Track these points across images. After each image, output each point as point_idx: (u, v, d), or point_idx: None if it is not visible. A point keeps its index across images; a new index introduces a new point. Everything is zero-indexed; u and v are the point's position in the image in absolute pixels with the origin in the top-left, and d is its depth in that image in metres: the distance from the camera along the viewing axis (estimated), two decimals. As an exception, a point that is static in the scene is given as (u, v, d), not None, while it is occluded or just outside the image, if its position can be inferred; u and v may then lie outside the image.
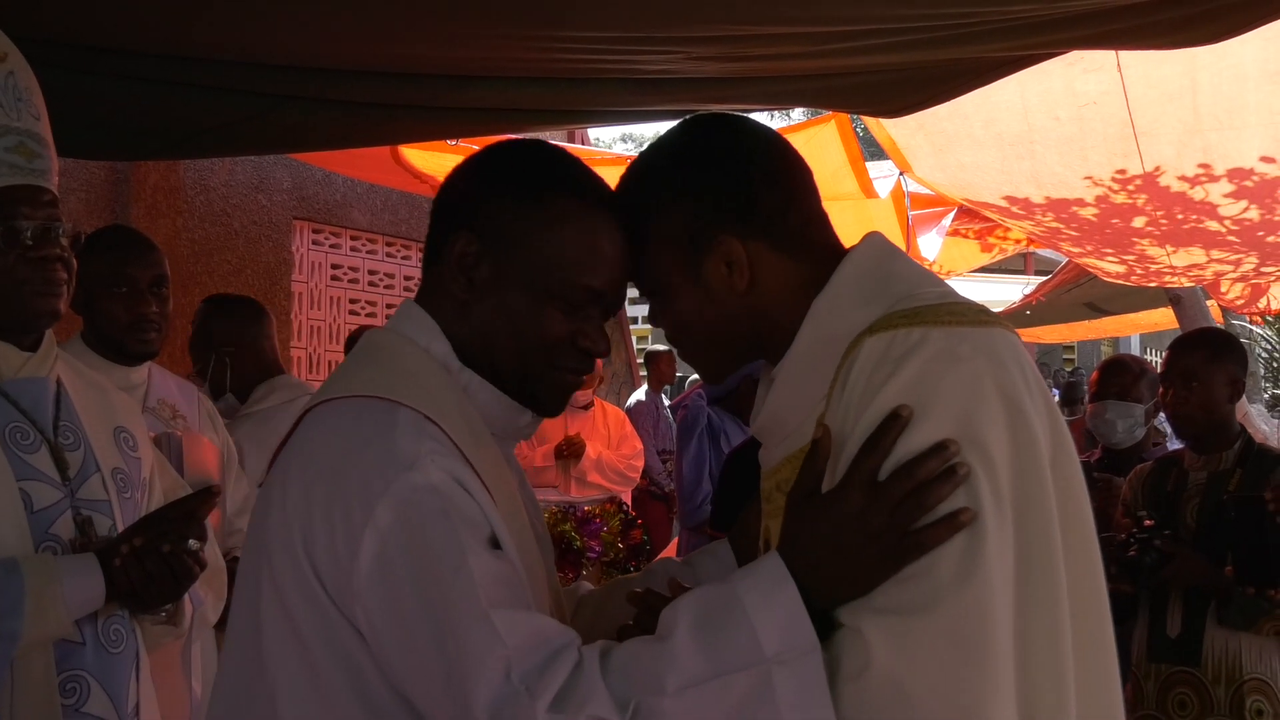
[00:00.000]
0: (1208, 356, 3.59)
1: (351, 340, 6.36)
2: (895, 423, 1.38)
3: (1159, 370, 3.77)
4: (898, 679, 1.31)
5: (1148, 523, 3.47)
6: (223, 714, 1.60)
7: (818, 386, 1.52)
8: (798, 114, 16.67)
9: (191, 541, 2.23)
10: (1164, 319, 10.55)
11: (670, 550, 6.96)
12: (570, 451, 6.72)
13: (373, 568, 1.44)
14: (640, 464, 7.10)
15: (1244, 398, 8.71)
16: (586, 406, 7.25)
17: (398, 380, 1.58)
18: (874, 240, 1.63)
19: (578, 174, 1.69)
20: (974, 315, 1.47)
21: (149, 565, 2.18)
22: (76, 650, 2.22)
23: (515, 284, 1.63)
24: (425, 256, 1.72)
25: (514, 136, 6.64)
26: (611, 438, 7.08)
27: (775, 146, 1.65)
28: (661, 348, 10.04)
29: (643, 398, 9.52)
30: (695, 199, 1.60)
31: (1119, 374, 4.14)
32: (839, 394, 1.46)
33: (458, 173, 1.72)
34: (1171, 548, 3.40)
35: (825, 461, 1.44)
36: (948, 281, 1.66)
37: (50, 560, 2.17)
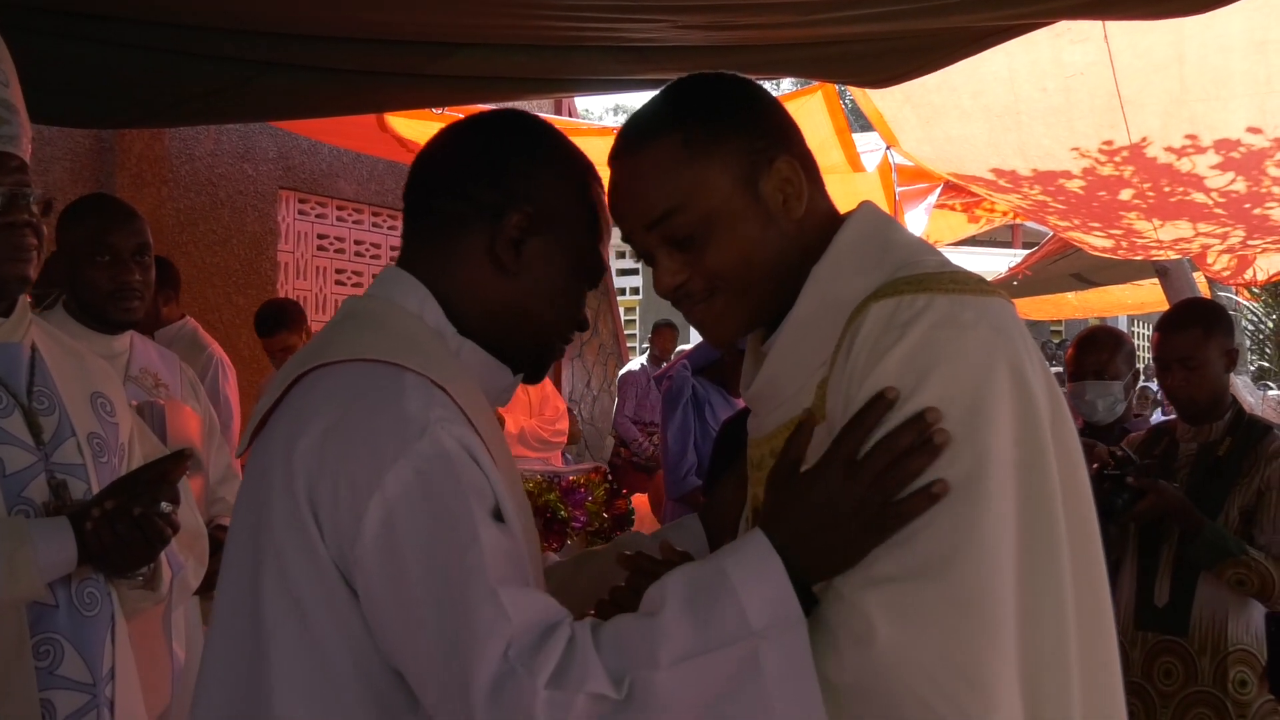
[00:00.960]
0: (1201, 334, 3.55)
1: None
2: (880, 403, 1.37)
3: (1152, 354, 3.74)
4: (900, 647, 1.32)
5: (1118, 453, 3.46)
6: (214, 686, 1.56)
7: (817, 353, 1.51)
8: (786, 84, 16.64)
9: (164, 504, 2.22)
10: (1151, 296, 10.58)
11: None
12: None
13: (378, 536, 1.41)
14: (564, 426, 6.95)
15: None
16: None
17: (399, 344, 1.55)
18: (870, 209, 1.61)
19: (589, 161, 1.72)
20: (975, 284, 1.46)
21: (120, 528, 2.18)
22: (50, 613, 2.21)
23: (563, 262, 1.66)
24: (423, 222, 1.69)
25: (486, 106, 6.65)
26: (532, 404, 6.92)
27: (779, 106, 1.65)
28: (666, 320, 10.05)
29: (635, 368, 9.49)
30: (751, 119, 1.56)
31: (1094, 351, 4.07)
32: (843, 360, 1.45)
33: (495, 139, 1.69)
34: (1143, 482, 3.39)
35: (809, 439, 1.43)
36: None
37: (21, 522, 2.17)
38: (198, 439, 3.26)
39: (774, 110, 1.59)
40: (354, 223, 8.46)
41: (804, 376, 1.53)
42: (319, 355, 1.56)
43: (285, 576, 1.47)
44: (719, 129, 1.54)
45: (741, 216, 1.53)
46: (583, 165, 1.70)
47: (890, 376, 1.38)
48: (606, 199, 1.63)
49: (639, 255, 1.62)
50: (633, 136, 1.58)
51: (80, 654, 2.24)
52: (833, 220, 1.59)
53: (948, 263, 1.52)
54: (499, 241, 1.62)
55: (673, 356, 8.99)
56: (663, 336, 10.04)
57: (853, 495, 1.36)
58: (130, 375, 3.19)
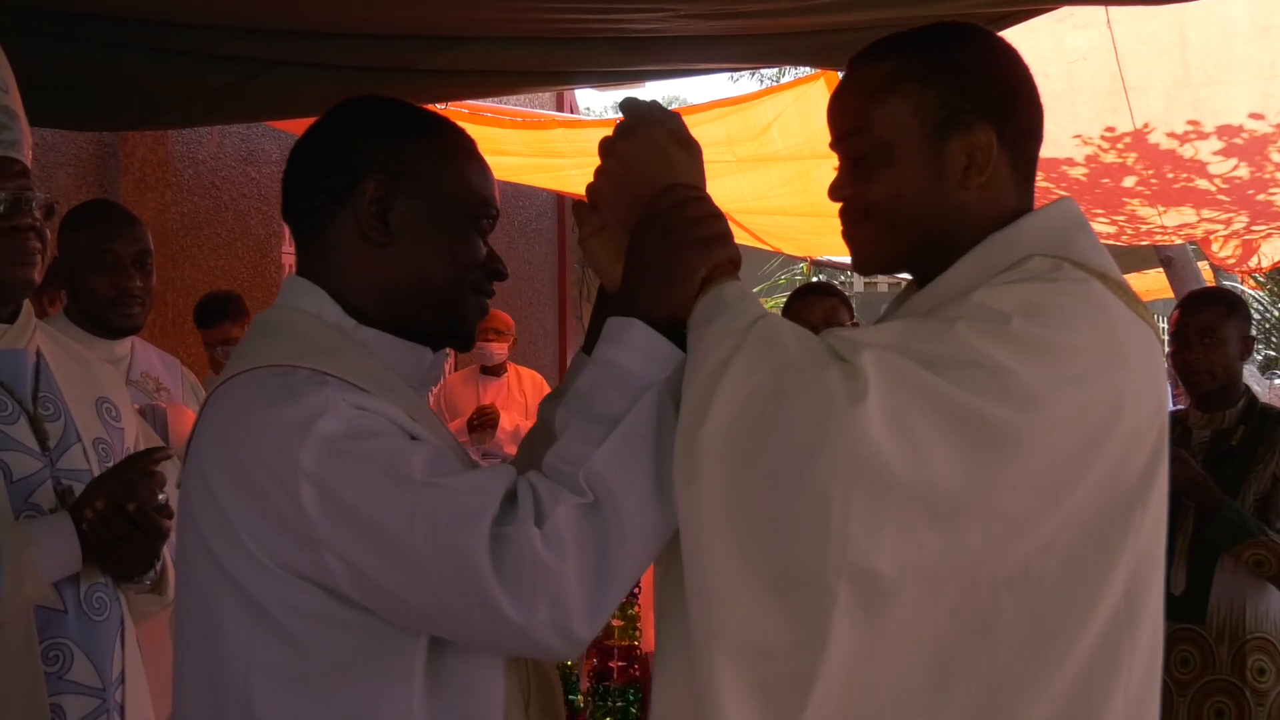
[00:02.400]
0: (1224, 312, 3.58)
1: None
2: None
3: (1169, 329, 3.75)
4: (897, 411, 1.32)
5: None
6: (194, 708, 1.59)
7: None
8: (787, 71, 16.61)
9: (161, 495, 2.23)
10: (1155, 284, 10.56)
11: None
12: (483, 422, 6.45)
13: (321, 510, 1.43)
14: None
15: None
16: (499, 372, 6.98)
17: (295, 347, 1.58)
18: (1068, 206, 1.61)
19: (426, 111, 1.76)
20: (1135, 304, 1.47)
21: (116, 526, 2.18)
22: (59, 618, 2.22)
23: (437, 216, 1.66)
24: (298, 226, 1.70)
25: (489, 102, 6.61)
26: (529, 406, 6.76)
27: (1033, 78, 1.64)
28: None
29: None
30: (970, 78, 1.55)
31: None
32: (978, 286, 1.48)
33: (330, 127, 1.70)
34: (1170, 451, 3.39)
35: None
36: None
37: (24, 524, 2.17)
38: None
39: (1007, 83, 1.58)
40: (357, 224, 8.46)
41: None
42: (226, 372, 1.60)
43: (242, 594, 1.49)
44: (931, 72, 1.55)
45: (912, 160, 1.55)
46: (418, 115, 1.70)
47: (1011, 299, 1.40)
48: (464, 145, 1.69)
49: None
50: (862, 52, 1.62)
51: (90, 658, 2.24)
52: (1016, 212, 1.57)
53: (1116, 271, 1.52)
54: (363, 218, 1.62)
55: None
56: None
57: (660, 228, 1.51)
58: (132, 379, 3.19)
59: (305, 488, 1.43)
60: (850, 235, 1.64)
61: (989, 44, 1.61)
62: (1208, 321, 3.55)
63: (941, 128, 1.54)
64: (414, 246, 1.64)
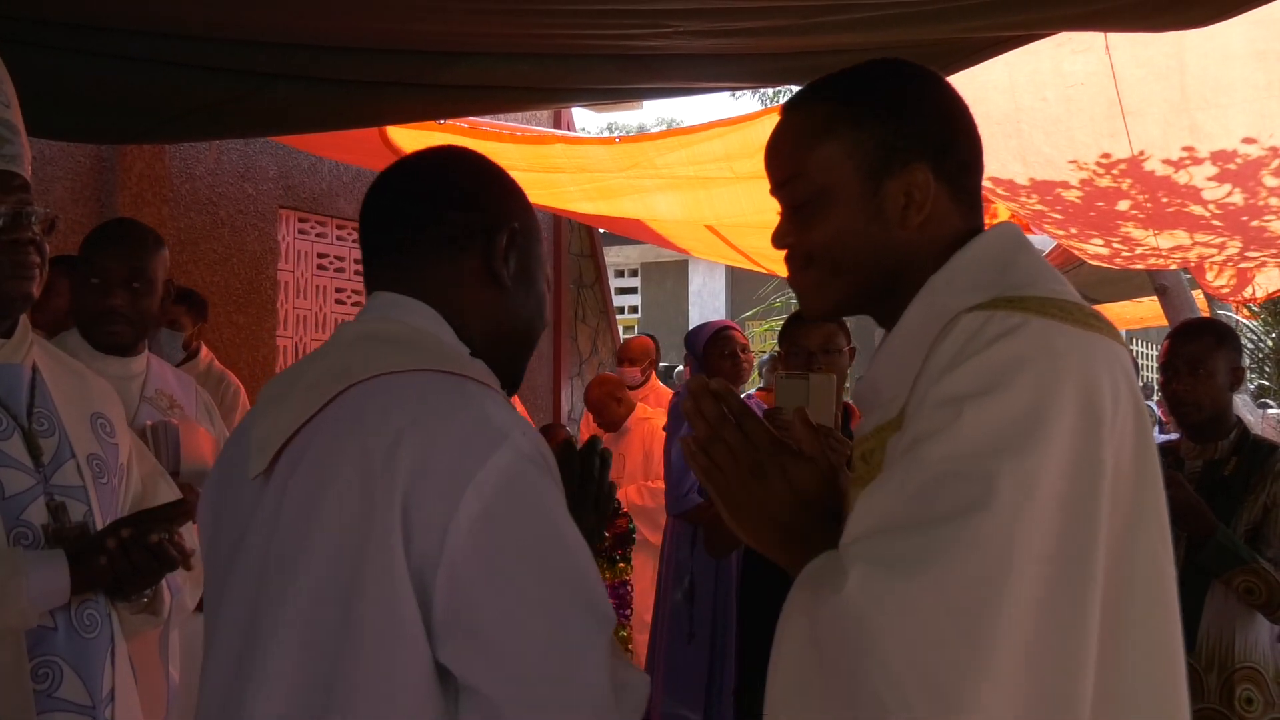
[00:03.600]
0: (1213, 343, 3.57)
1: None
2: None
3: (1159, 360, 3.75)
4: (861, 615, 1.29)
5: None
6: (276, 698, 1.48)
7: (913, 360, 1.50)
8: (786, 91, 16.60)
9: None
10: (1150, 312, 10.59)
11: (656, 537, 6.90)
12: None
13: (474, 528, 1.42)
14: (660, 486, 6.52)
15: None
16: (621, 429, 7.03)
17: (445, 359, 1.59)
18: (1007, 229, 1.60)
19: None
20: (1081, 316, 1.44)
21: (135, 557, 2.18)
22: (49, 635, 2.20)
23: (536, 271, 1.78)
24: (413, 250, 1.72)
25: (490, 119, 6.62)
26: (650, 467, 6.77)
27: (969, 111, 1.64)
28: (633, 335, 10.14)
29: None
30: (903, 118, 1.56)
31: None
32: (926, 364, 1.45)
33: (461, 168, 1.77)
34: (1165, 475, 3.39)
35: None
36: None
37: (16, 554, 2.16)
38: (211, 459, 3.25)
39: (941, 119, 1.58)
40: (354, 242, 8.46)
41: (900, 384, 1.52)
42: (356, 372, 1.57)
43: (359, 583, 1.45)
44: (863, 114, 1.55)
45: (849, 204, 1.55)
46: (519, 185, 1.83)
47: (962, 382, 1.37)
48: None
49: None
50: (795, 98, 1.63)
51: (79, 676, 2.22)
52: (963, 239, 1.57)
53: (1067, 292, 1.50)
54: (494, 259, 1.71)
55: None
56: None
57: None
58: (145, 396, 3.18)
59: (471, 500, 1.43)
60: (796, 283, 1.64)
61: (921, 81, 1.60)
62: (1197, 353, 3.55)
63: (877, 169, 1.54)
64: (522, 294, 1.75)
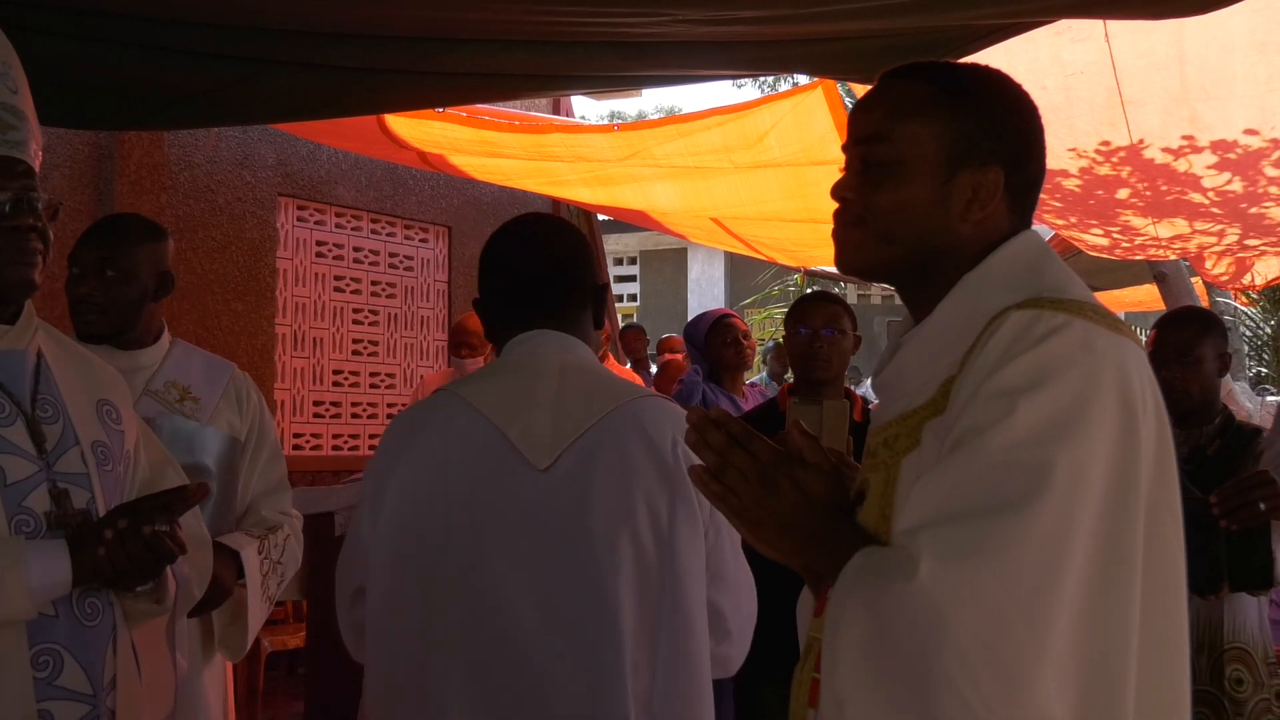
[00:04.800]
0: (1200, 331, 3.61)
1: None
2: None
3: (1147, 348, 3.77)
4: (934, 602, 1.36)
5: None
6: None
7: (948, 353, 1.58)
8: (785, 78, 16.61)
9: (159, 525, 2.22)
10: (1149, 296, 10.58)
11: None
12: None
13: None
14: None
15: (1229, 377, 8.77)
16: None
17: (635, 386, 2.43)
18: (1034, 237, 1.68)
19: None
20: (1111, 321, 1.54)
21: (131, 548, 2.17)
22: (49, 623, 2.18)
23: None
24: (580, 304, 2.38)
25: (487, 105, 6.61)
26: None
27: (1044, 135, 1.73)
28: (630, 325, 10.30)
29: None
30: (995, 121, 1.65)
31: None
32: (974, 358, 1.52)
33: (577, 243, 2.44)
34: None
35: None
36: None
37: (16, 543, 2.14)
38: (209, 455, 3.22)
39: (1027, 135, 1.69)
40: (353, 229, 8.46)
41: (930, 374, 1.61)
42: (617, 396, 2.28)
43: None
44: (961, 104, 1.65)
45: (922, 181, 1.65)
46: None
47: (1015, 376, 1.46)
48: None
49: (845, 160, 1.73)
50: (906, 66, 1.72)
51: (80, 664, 2.20)
52: (994, 245, 1.66)
53: (1092, 298, 1.59)
54: (601, 311, 2.41)
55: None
56: (629, 338, 10.42)
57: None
58: (150, 389, 3.16)
59: None
60: (841, 236, 1.70)
61: (1019, 95, 1.70)
62: (1184, 341, 3.58)
63: (957, 159, 1.63)
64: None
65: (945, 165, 1.63)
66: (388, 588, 2.26)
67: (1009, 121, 1.66)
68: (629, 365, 10.05)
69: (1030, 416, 1.42)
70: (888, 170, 1.64)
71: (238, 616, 3.12)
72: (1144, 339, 3.78)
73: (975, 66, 1.72)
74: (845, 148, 1.72)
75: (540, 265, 2.34)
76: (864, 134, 1.68)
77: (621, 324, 11.35)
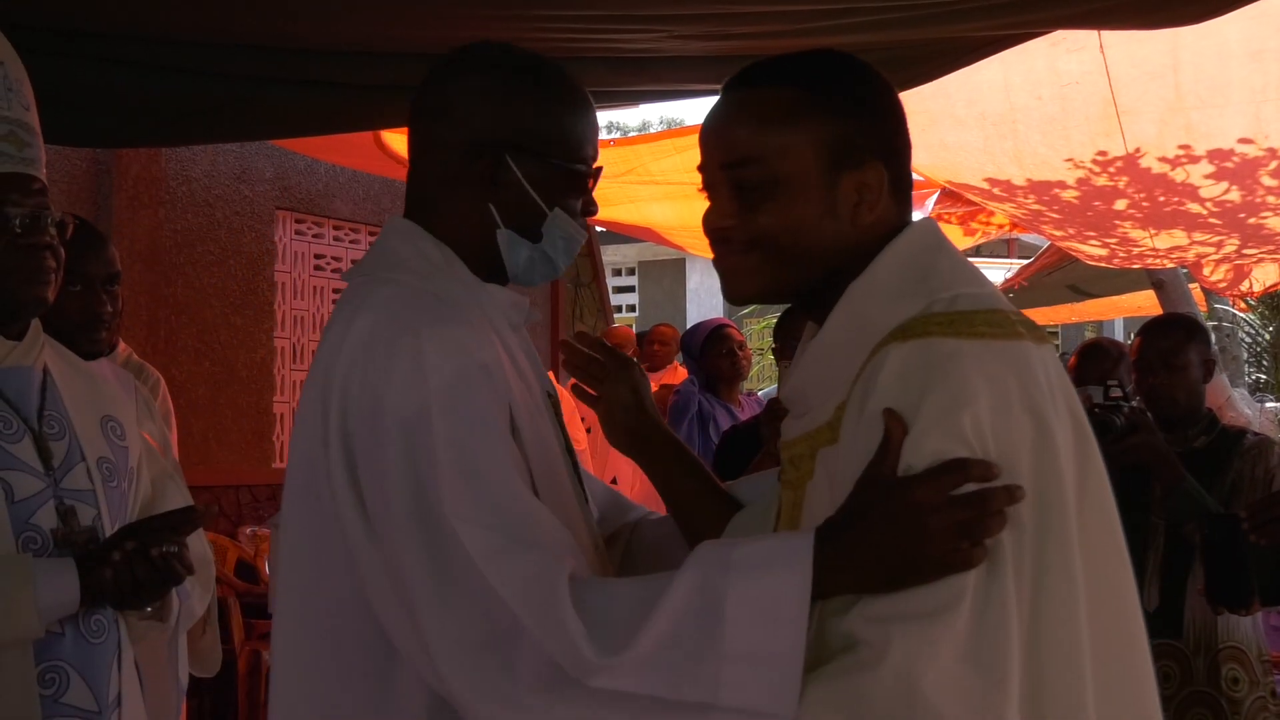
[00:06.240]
0: (1183, 338, 3.63)
1: None
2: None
3: (1131, 356, 3.78)
4: (913, 678, 1.30)
5: (1115, 394, 3.51)
6: None
7: (841, 373, 1.49)
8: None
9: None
10: (1147, 301, 10.58)
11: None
12: None
13: None
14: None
15: (1228, 383, 8.77)
16: None
17: None
18: (922, 229, 1.58)
19: None
20: (1008, 326, 1.44)
21: (139, 570, 2.18)
22: (56, 640, 2.19)
23: None
24: None
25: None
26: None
27: (905, 115, 1.63)
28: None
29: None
30: (866, 115, 1.53)
31: (1099, 360, 4.10)
32: (860, 395, 1.44)
33: None
34: (1137, 418, 3.42)
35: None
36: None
37: (25, 561, 2.14)
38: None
39: (894, 120, 1.57)
40: (350, 242, 8.46)
41: (826, 392, 1.53)
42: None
43: None
44: (832, 106, 1.51)
45: (808, 195, 1.51)
46: None
47: (929, 426, 1.37)
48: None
49: (702, 185, 1.60)
50: (751, 74, 1.56)
51: (86, 681, 2.21)
52: (883, 242, 1.55)
53: (987, 295, 1.50)
54: None
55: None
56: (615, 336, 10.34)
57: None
58: None
59: None
60: (728, 265, 1.58)
61: (879, 82, 1.58)
62: (1169, 348, 3.60)
63: (836, 163, 1.51)
64: None
65: (827, 171, 1.50)
66: None
67: (882, 111, 1.55)
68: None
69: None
70: (765, 192, 1.51)
71: (209, 627, 3.05)
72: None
73: (826, 56, 1.57)
74: (703, 169, 1.58)
75: None
76: (731, 158, 1.53)
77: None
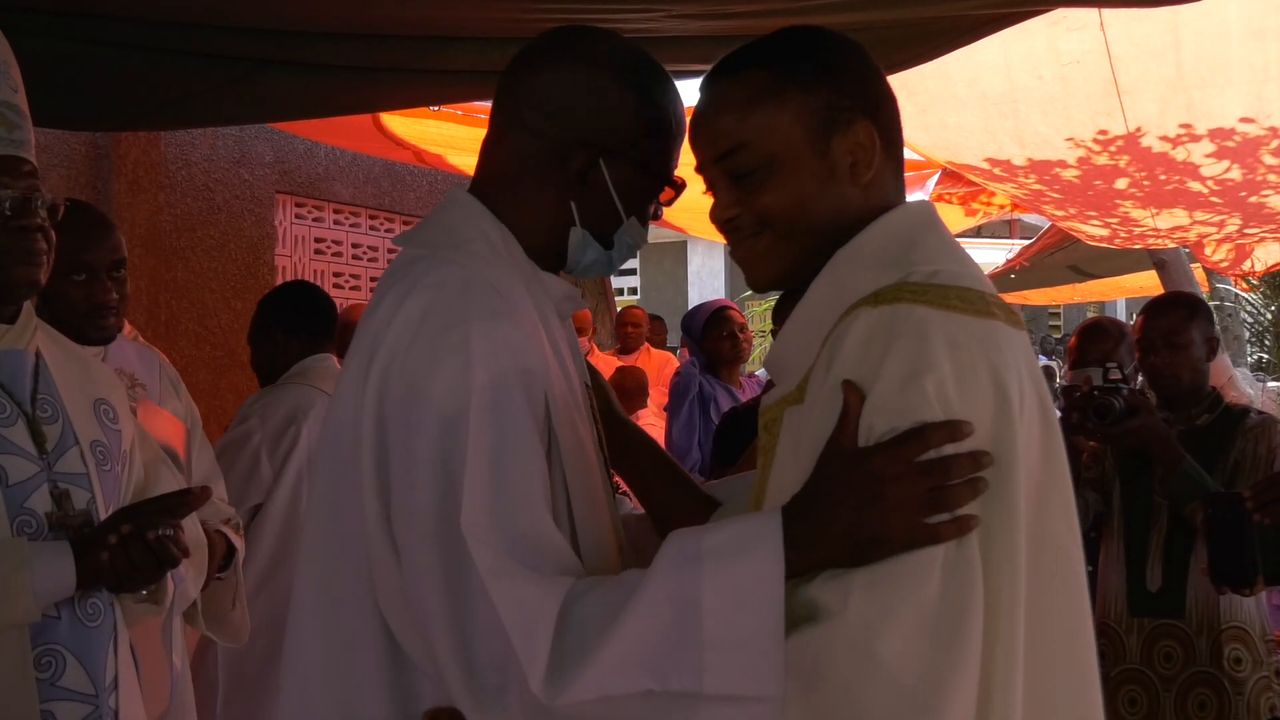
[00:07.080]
0: (1186, 316, 3.62)
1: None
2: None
3: (1134, 335, 3.78)
4: (869, 640, 1.31)
5: (1114, 376, 3.51)
6: None
7: (816, 336, 1.51)
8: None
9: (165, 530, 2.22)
10: (1149, 282, 10.57)
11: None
12: None
13: None
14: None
15: (1229, 363, 8.77)
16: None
17: None
18: (917, 208, 1.61)
19: None
20: (982, 305, 1.45)
21: (134, 553, 2.18)
22: (52, 624, 2.20)
23: None
24: None
25: (484, 103, 6.65)
26: None
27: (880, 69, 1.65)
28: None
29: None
30: (840, 78, 1.56)
31: (1099, 340, 4.08)
32: (826, 354, 1.45)
33: None
34: (1137, 401, 3.42)
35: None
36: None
37: (21, 545, 2.15)
38: (176, 441, 3.20)
39: (870, 76, 1.59)
40: (351, 226, 8.45)
41: (801, 358, 1.53)
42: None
43: None
44: (805, 77, 1.54)
45: (803, 167, 1.54)
46: None
47: (890, 389, 1.38)
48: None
49: (705, 186, 1.62)
50: (723, 67, 1.60)
51: (82, 664, 2.22)
52: (887, 207, 1.57)
53: (968, 275, 1.50)
54: None
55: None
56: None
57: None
58: None
59: None
60: (744, 252, 1.60)
61: (845, 44, 1.60)
62: (1171, 326, 3.60)
63: (824, 130, 1.54)
64: None
65: (817, 140, 1.53)
66: None
67: (856, 71, 1.57)
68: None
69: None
70: (762, 174, 1.54)
71: (238, 600, 3.07)
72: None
73: (791, 33, 1.60)
74: (700, 169, 1.61)
75: None
76: (721, 149, 1.56)
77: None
